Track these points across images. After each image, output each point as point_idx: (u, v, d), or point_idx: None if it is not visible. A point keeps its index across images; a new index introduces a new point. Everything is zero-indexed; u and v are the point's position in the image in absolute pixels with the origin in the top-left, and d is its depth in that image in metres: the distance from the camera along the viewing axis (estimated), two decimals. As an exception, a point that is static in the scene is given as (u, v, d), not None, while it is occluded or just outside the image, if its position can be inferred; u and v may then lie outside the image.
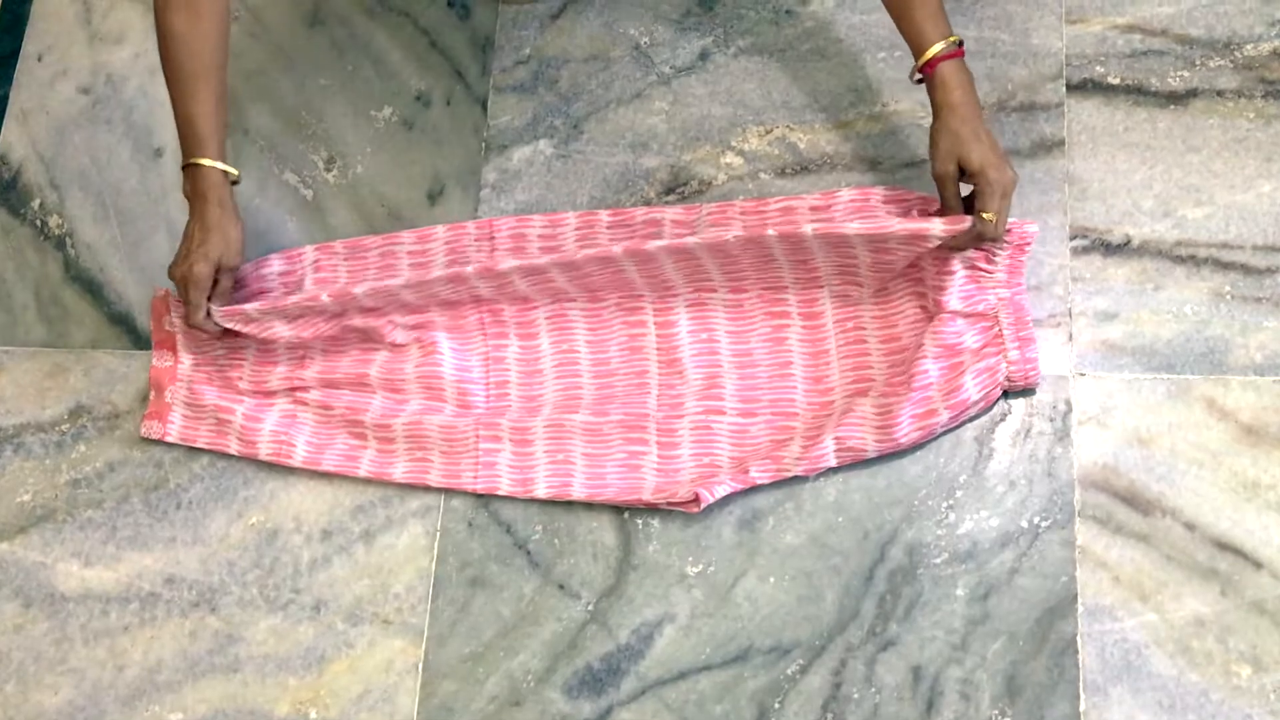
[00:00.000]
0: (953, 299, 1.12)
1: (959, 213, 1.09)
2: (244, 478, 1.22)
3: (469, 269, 1.17)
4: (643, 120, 1.28)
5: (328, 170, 1.31)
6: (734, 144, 1.26)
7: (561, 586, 1.16)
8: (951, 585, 1.11)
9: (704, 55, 1.29)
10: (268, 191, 1.31)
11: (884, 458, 1.14)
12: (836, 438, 1.12)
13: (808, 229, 1.10)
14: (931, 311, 1.13)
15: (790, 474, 1.13)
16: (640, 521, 1.16)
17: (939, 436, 1.14)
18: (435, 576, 1.18)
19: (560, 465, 1.18)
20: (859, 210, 1.19)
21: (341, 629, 1.18)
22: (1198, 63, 1.22)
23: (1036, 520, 1.12)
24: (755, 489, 1.15)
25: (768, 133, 1.26)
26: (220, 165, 1.14)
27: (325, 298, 1.17)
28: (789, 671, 1.10)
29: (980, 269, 1.13)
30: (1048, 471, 1.13)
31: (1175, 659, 1.07)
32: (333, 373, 1.23)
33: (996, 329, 1.12)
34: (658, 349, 1.20)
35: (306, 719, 1.16)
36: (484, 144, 1.30)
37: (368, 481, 1.20)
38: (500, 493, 1.18)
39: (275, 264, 1.27)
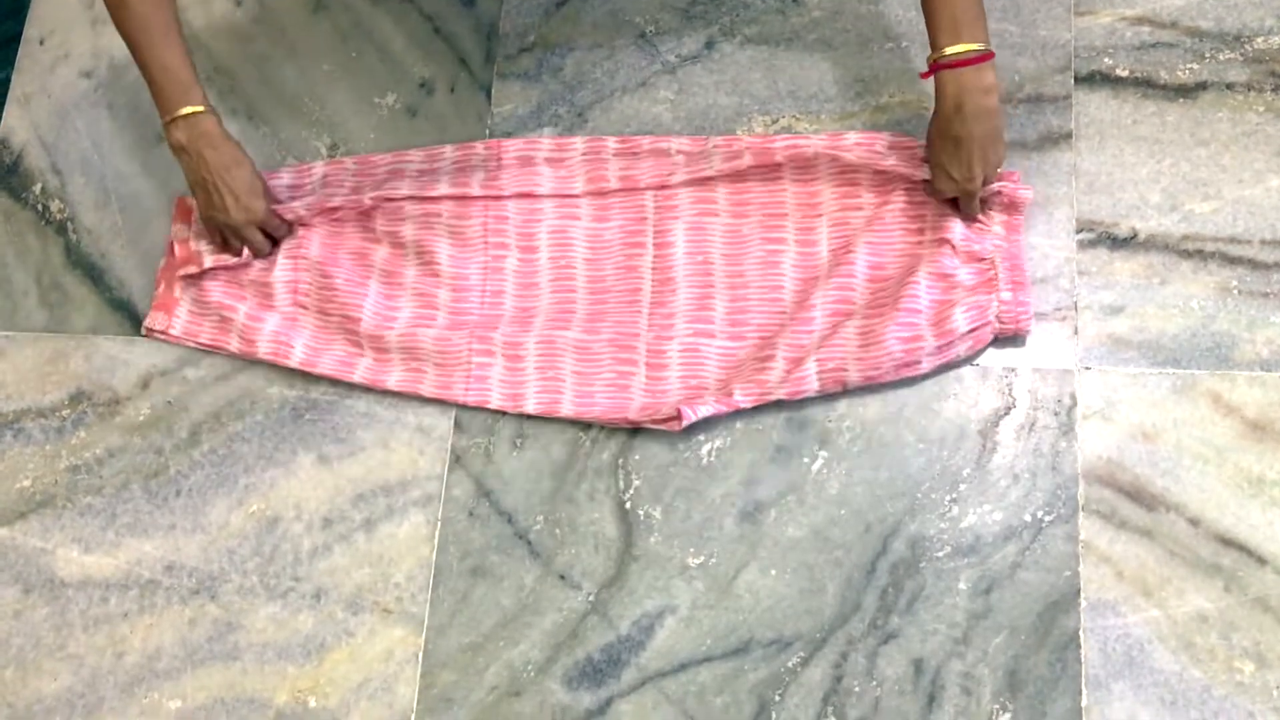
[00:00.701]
0: (953, 237, 1.13)
1: (972, 215, 1.15)
2: (244, 465, 1.22)
3: (475, 190, 1.22)
4: (648, 109, 1.27)
5: (330, 156, 1.31)
6: (740, 133, 1.25)
7: (562, 577, 1.16)
8: (954, 579, 1.10)
9: (710, 44, 1.28)
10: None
11: (886, 449, 1.13)
12: (819, 359, 1.13)
13: (813, 148, 1.17)
14: (928, 246, 1.14)
15: (773, 397, 1.14)
16: (642, 512, 1.16)
17: (927, 377, 1.14)
18: (436, 566, 1.17)
19: (550, 382, 1.19)
20: (865, 149, 1.20)
21: (341, 618, 1.17)
22: (1207, 55, 1.21)
23: (1040, 514, 1.11)
24: (758, 481, 1.14)
25: (774, 123, 1.25)
26: (211, 111, 1.16)
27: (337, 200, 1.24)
28: (790, 664, 1.10)
29: (978, 222, 1.15)
30: (1052, 465, 1.12)
31: (1178, 655, 1.07)
32: (334, 251, 1.24)
33: (991, 272, 1.13)
34: (653, 268, 1.21)
35: (306, 708, 1.15)
36: (488, 132, 1.29)
37: (368, 471, 1.20)
38: (490, 406, 1.19)
39: (285, 178, 1.29)
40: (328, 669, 1.16)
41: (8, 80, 1.37)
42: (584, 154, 1.25)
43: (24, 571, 1.20)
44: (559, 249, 1.23)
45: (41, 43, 1.39)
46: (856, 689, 1.09)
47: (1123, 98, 1.21)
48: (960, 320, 1.11)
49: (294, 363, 1.22)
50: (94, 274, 1.29)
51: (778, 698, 1.09)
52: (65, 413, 1.25)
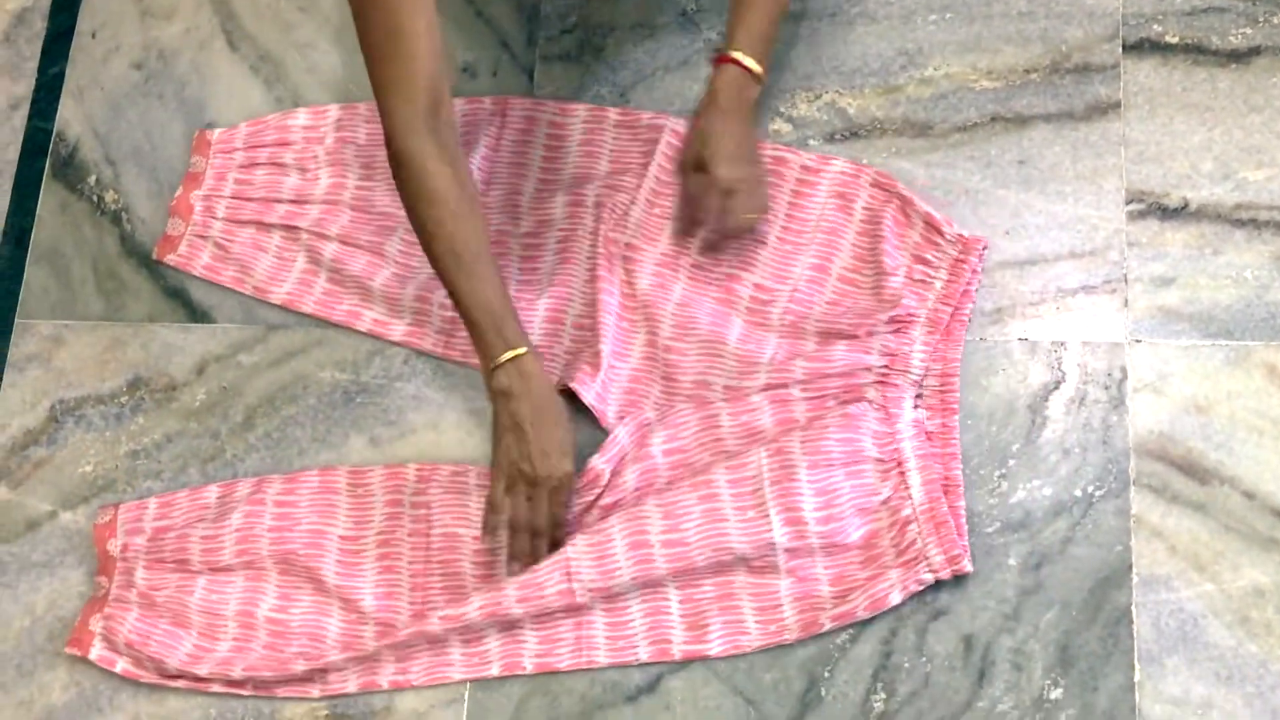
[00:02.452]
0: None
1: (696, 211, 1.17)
2: (299, 448, 1.24)
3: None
4: (690, 87, 1.27)
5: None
6: (783, 110, 1.25)
7: (611, 556, 1.16)
8: (1004, 554, 1.10)
9: (751, 21, 1.28)
10: (318, 164, 1.32)
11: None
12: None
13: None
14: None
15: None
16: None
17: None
18: (486, 546, 1.19)
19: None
20: (844, 185, 1.19)
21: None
22: (1260, 20, 1.18)
23: (1091, 489, 1.10)
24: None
25: (816, 98, 1.24)
26: (531, 348, 1.09)
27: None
28: (838, 640, 1.10)
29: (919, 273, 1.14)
30: (1102, 440, 1.11)
31: (1233, 629, 1.06)
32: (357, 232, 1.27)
33: (915, 536, 1.08)
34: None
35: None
36: (531, 114, 1.30)
37: (419, 453, 1.21)
38: None
39: (301, 117, 1.31)
40: (383, 648, 1.18)
41: (62, 74, 1.40)
42: (585, 121, 1.26)
43: (88, 554, 1.23)
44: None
45: (93, 36, 1.41)
46: (906, 665, 1.09)
47: (1173, 65, 1.19)
48: (895, 597, 1.08)
49: (308, 308, 1.26)
50: (149, 263, 1.32)
51: (827, 674, 1.10)
52: (124, 399, 1.28)
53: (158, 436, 1.26)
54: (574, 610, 1.12)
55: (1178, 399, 1.11)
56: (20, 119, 1.39)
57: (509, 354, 1.07)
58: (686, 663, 1.12)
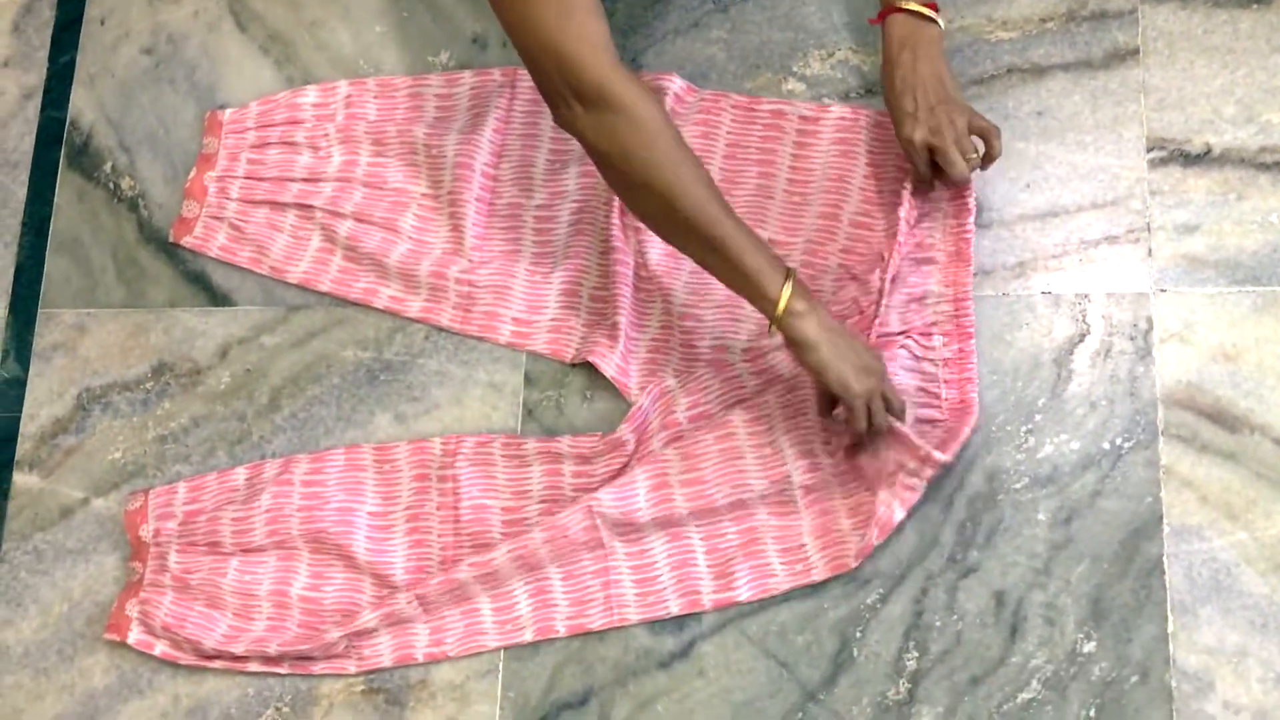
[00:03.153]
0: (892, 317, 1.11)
1: (925, 177, 1.12)
2: (325, 427, 1.24)
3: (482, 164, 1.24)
4: (701, 50, 1.26)
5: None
6: (795, 69, 1.23)
7: (639, 524, 1.17)
8: (1033, 510, 1.10)
9: (761, -20, 1.26)
10: (331, 143, 1.32)
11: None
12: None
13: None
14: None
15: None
16: (715, 457, 1.16)
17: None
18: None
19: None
20: (844, 131, 1.19)
21: (426, 572, 1.20)
22: (1280, -42, 1.16)
23: (1119, 441, 1.09)
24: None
25: (829, 56, 1.23)
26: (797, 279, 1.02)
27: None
28: (869, 601, 1.10)
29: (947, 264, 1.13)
30: (1129, 391, 1.10)
31: (1267, 577, 1.05)
32: (371, 209, 1.27)
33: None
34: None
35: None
36: (542, 84, 1.29)
37: (444, 428, 1.22)
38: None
39: (310, 94, 1.32)
40: (416, 622, 1.19)
41: (73, 62, 1.40)
42: None
43: (121, 539, 1.25)
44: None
45: (102, 23, 1.41)
46: (938, 623, 1.09)
47: (1192, 8, 1.17)
48: (899, 513, 1.08)
49: (325, 287, 1.27)
50: (167, 248, 1.32)
51: (859, 634, 1.10)
52: (149, 385, 1.29)
53: (184, 421, 1.27)
54: (598, 551, 1.13)
55: (1205, 347, 1.10)
56: (33, 109, 1.39)
57: (786, 298, 1.00)
58: (720, 627, 1.12)
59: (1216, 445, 1.08)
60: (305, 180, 1.29)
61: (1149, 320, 1.11)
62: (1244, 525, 1.06)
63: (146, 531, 1.22)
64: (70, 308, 1.32)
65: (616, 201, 1.20)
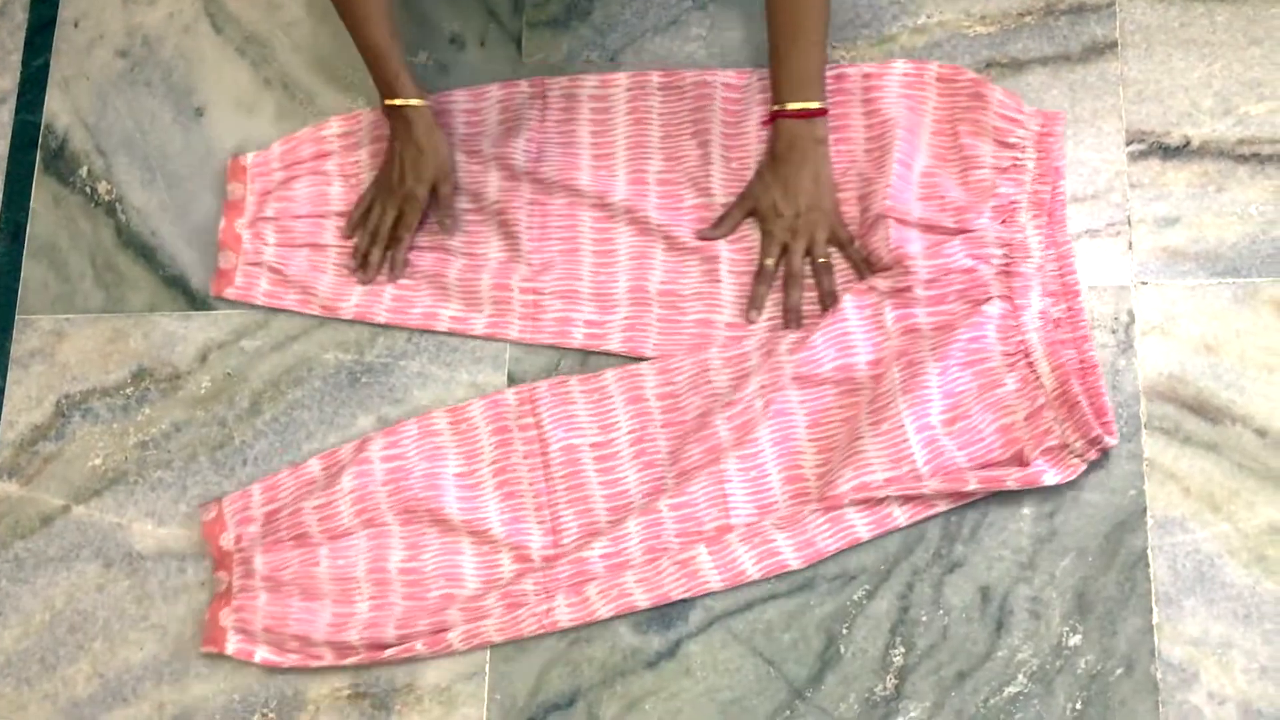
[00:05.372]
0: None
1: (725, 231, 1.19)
2: (306, 431, 1.24)
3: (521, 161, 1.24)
4: (680, 47, 1.26)
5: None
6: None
7: (624, 523, 1.17)
8: (1017, 504, 1.10)
9: (740, -24, 1.26)
10: (309, 145, 1.31)
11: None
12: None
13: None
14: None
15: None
16: (699, 455, 1.16)
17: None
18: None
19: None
20: (910, 86, 1.18)
21: (411, 575, 1.19)
22: (1256, -50, 1.17)
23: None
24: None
25: (809, 53, 1.23)
26: (414, 101, 1.19)
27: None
28: (855, 597, 1.10)
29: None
30: (1112, 384, 1.11)
31: (1250, 568, 1.06)
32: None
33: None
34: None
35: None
36: (521, 83, 1.28)
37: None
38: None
39: (334, 125, 1.30)
40: (401, 625, 1.18)
41: (46, 65, 1.38)
42: (628, 89, 1.24)
43: (103, 547, 1.24)
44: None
45: (76, 25, 1.40)
46: (924, 618, 1.09)
47: (1169, 1, 1.17)
48: (1051, 478, 1.08)
49: (381, 318, 1.25)
50: (146, 252, 1.31)
51: (845, 630, 1.10)
52: (129, 390, 1.28)
53: (165, 426, 1.26)
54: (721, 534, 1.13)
55: (1186, 339, 1.10)
56: (7, 113, 1.38)
57: (389, 103, 1.19)
58: (706, 626, 1.12)
59: (1199, 437, 1.08)
60: (340, 214, 1.27)
61: (1130, 313, 1.12)
62: (1226, 516, 1.07)
63: (227, 539, 1.21)
64: (48, 314, 1.31)
65: (687, 199, 1.21)
